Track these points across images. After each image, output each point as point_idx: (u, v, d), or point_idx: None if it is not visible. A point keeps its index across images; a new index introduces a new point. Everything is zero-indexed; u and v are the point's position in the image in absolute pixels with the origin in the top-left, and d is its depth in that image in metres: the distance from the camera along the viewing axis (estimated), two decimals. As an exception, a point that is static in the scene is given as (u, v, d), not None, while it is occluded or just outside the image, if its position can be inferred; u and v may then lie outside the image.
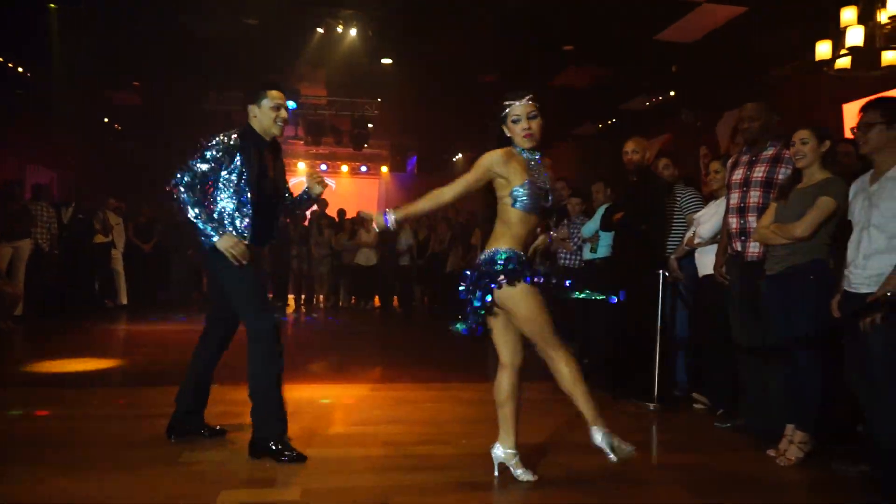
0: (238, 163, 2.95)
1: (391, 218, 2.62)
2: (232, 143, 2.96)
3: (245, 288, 2.98)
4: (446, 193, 2.64)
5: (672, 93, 9.30)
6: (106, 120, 12.04)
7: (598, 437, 2.52)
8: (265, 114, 3.01)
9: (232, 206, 2.96)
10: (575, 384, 2.54)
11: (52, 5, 5.84)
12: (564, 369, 2.55)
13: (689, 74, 8.75)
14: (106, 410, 3.73)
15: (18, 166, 10.41)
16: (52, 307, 8.04)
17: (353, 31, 7.79)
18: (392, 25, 7.77)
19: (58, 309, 8.11)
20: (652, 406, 4.02)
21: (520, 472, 2.71)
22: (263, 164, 3.03)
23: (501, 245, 2.60)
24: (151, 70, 9.28)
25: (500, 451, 2.74)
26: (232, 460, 2.88)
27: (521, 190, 2.57)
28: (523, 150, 2.67)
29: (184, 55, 8.58)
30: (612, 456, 2.50)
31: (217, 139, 2.98)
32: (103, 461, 2.83)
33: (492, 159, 2.61)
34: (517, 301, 2.54)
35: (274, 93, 3.02)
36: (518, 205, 2.58)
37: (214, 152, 2.94)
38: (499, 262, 2.56)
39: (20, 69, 8.91)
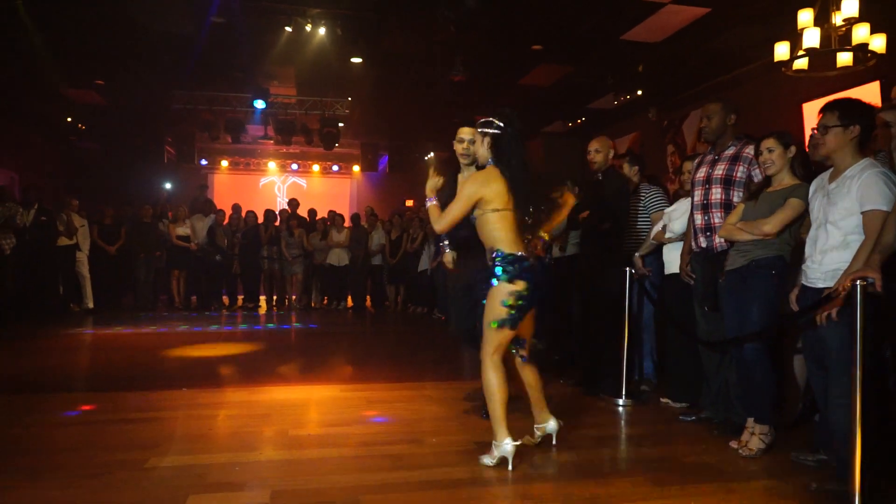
0: None
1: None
2: None
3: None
4: None
5: (639, 92, 9.44)
6: (69, 119, 11.77)
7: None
8: (456, 147, 3.58)
9: None
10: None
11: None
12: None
13: (656, 74, 8.90)
14: (72, 416, 3.66)
15: (-23, 168, 10.14)
16: (14, 312, 7.83)
17: (321, 30, 7.75)
18: (361, 24, 7.74)
19: (21, 314, 7.91)
20: (621, 401, 4.10)
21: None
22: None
23: None
24: (115, 68, 9.09)
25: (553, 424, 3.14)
26: (199, 464, 2.86)
27: None
28: None
29: (148, 53, 8.43)
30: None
31: None
32: (70, 467, 2.79)
33: None
34: None
35: (461, 129, 3.53)
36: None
37: None
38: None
39: (-23, 68, 8.66)
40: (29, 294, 8.25)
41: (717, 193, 3.54)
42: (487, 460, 2.84)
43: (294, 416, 3.74)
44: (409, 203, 14.27)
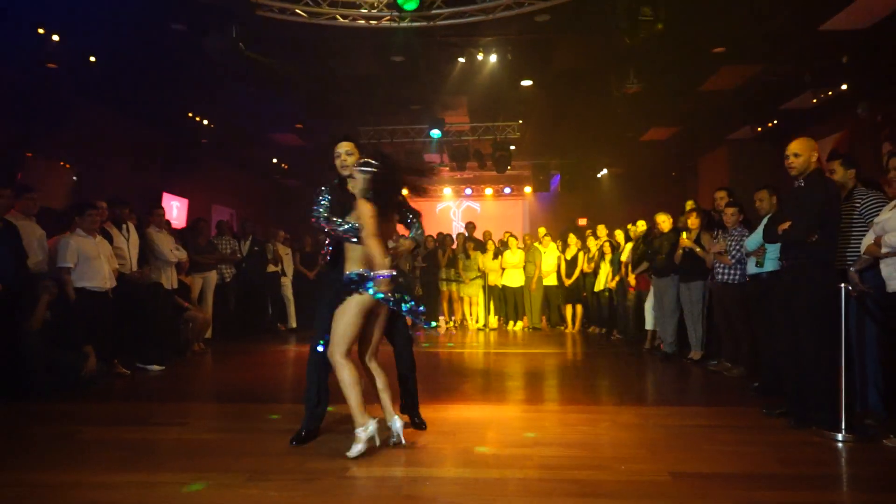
0: None
1: None
2: None
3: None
4: None
5: (844, 86, 8.38)
6: (274, 160, 13.33)
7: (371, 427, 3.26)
8: (335, 161, 3.72)
9: None
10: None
11: (248, 53, 6.70)
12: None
13: (864, 64, 7.85)
14: (283, 424, 4.06)
15: (205, 205, 11.86)
16: (234, 331, 8.96)
17: (492, 58, 7.96)
18: (531, 47, 7.83)
19: (239, 332, 9.02)
20: (840, 436, 3.60)
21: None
22: None
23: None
24: (311, 112, 10.13)
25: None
26: (393, 477, 3.02)
27: None
28: None
29: (338, 96, 9.29)
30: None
31: None
32: (283, 471, 3.09)
33: None
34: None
35: (339, 144, 3.66)
36: None
37: None
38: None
39: (205, 122, 10.17)
40: (245, 315, 9.39)
41: (958, 195, 3.02)
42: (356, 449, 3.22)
43: (477, 435, 3.80)
44: (582, 222, 14.00)
